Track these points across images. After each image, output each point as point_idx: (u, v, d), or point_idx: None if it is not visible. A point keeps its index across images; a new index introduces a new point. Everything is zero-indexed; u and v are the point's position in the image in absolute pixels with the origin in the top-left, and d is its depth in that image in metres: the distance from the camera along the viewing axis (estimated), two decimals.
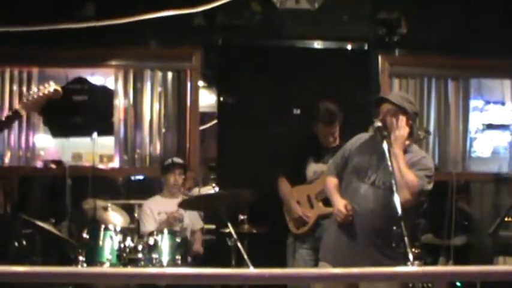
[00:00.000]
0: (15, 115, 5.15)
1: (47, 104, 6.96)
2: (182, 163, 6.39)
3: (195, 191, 6.87)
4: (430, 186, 4.37)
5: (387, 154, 4.16)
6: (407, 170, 4.26)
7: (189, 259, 5.62)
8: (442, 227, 6.87)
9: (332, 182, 4.69)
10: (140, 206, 6.98)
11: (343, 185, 4.59)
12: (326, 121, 5.87)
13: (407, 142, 4.41)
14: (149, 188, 7.53)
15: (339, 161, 4.69)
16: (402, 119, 4.35)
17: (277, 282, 2.63)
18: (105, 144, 7.23)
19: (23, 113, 5.13)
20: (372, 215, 4.34)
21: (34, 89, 5.23)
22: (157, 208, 6.18)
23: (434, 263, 6.70)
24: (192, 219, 6.26)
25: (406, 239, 3.79)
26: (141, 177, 7.81)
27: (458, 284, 5.76)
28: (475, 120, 7.54)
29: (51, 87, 5.07)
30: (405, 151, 4.39)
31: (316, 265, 5.78)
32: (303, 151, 6.09)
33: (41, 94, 5.07)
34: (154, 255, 5.49)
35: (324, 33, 7.29)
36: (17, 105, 6.89)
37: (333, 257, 4.50)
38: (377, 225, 4.32)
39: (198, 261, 5.85)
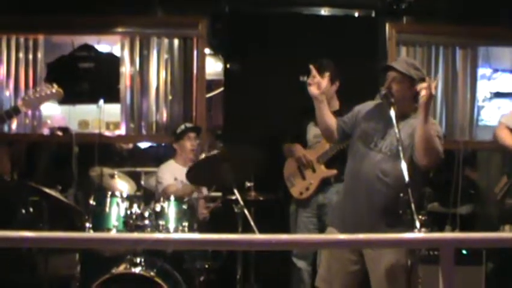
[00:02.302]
0: (15, 111, 5.22)
1: (53, 71, 7.04)
2: (195, 126, 6.45)
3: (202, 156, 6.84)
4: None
5: (394, 121, 4.14)
6: (434, 137, 4.20)
7: (195, 226, 5.62)
8: (449, 195, 6.86)
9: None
10: (147, 173, 7.02)
11: (351, 151, 4.56)
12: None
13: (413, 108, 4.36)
14: (156, 156, 7.55)
15: (345, 117, 4.68)
16: (430, 81, 4.14)
17: (283, 248, 2.63)
18: (111, 111, 7.22)
19: (24, 110, 5.19)
20: (378, 181, 4.32)
21: (37, 87, 5.27)
22: (173, 174, 6.19)
23: (441, 231, 6.70)
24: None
25: (412, 205, 3.79)
26: (147, 144, 7.81)
27: (464, 252, 5.76)
28: (483, 89, 7.49)
29: (54, 88, 5.16)
30: (409, 116, 4.36)
31: (319, 233, 5.80)
32: (304, 115, 6.07)
33: (43, 94, 5.15)
34: (161, 222, 5.49)
35: (331, 0, 7.24)
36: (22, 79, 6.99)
37: (339, 222, 4.49)
38: (383, 191, 4.30)
39: (205, 228, 5.85)
